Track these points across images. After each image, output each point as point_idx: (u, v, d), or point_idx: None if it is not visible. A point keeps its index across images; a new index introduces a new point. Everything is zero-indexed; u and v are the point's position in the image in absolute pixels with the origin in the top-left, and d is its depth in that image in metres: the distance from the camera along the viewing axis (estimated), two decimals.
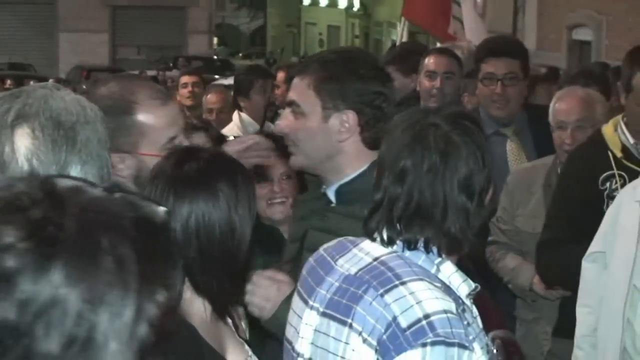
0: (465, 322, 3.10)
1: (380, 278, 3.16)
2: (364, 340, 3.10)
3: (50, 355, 1.67)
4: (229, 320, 3.59)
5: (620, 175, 5.55)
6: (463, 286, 3.23)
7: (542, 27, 36.00)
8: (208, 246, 3.33)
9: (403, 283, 3.11)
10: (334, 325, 3.22)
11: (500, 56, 7.07)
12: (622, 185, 5.40)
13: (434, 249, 3.22)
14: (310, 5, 63.98)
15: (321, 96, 4.06)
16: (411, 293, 3.08)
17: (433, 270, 3.21)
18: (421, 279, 3.13)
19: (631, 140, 5.54)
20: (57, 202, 1.74)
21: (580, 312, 4.81)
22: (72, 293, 1.68)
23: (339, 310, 3.21)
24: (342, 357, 3.16)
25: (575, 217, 5.66)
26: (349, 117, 4.05)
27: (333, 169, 4.15)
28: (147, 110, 3.78)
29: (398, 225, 3.24)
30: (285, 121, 4.20)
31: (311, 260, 3.48)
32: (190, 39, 48.45)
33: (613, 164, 5.60)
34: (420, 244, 3.22)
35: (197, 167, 3.40)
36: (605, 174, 5.60)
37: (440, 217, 3.20)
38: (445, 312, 3.04)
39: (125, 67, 35.64)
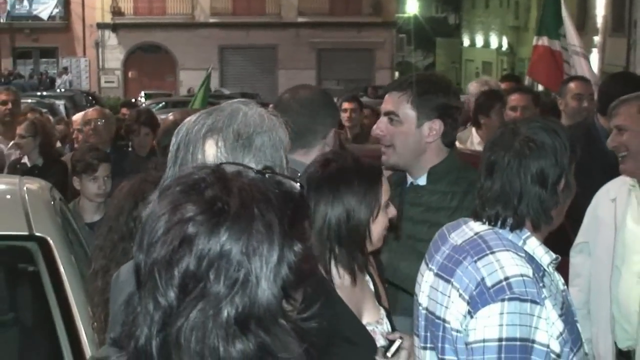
0: (541, 284, 3.08)
1: (477, 248, 3.16)
2: (460, 295, 3.10)
3: (219, 293, 1.81)
4: (372, 288, 3.60)
5: None
6: (545, 257, 3.20)
7: None
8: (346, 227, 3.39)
9: (492, 252, 3.11)
10: (442, 283, 3.22)
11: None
12: None
13: (513, 226, 3.22)
14: (469, 46, 63.63)
15: (417, 108, 4.16)
16: (497, 260, 3.08)
17: (520, 243, 3.19)
18: (507, 250, 3.12)
19: None
20: (224, 184, 1.89)
21: (572, 291, 4.57)
22: (234, 248, 1.82)
23: (446, 272, 3.22)
24: (446, 307, 3.16)
25: None
26: (437, 125, 4.15)
27: (419, 164, 4.24)
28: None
29: (486, 207, 3.25)
30: (382, 127, 4.27)
31: (436, 234, 3.49)
32: (377, 73, 48.51)
33: None
34: (507, 223, 3.22)
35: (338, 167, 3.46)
36: None
37: (516, 202, 3.19)
38: (522, 275, 3.03)
39: None
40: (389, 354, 3.41)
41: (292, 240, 1.88)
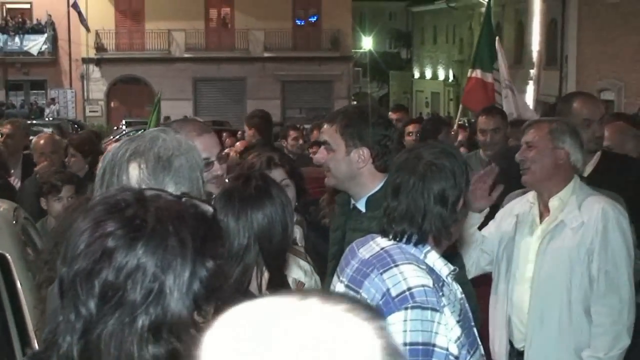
0: (440, 294, 3.10)
1: (383, 262, 3.20)
2: None
3: (135, 302, 1.83)
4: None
5: None
6: (444, 268, 3.24)
7: (579, 90, 35.34)
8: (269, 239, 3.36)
9: (397, 265, 3.14)
10: (351, 294, 3.23)
11: None
12: None
13: (418, 241, 3.24)
14: (419, 78, 63.87)
15: (344, 137, 4.14)
16: (401, 272, 3.11)
17: (421, 257, 3.22)
18: (410, 263, 3.15)
19: None
20: (142, 204, 1.91)
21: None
22: (149, 261, 1.84)
23: (355, 283, 3.25)
24: None
25: None
26: (364, 152, 4.13)
27: (357, 186, 4.20)
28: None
29: (392, 224, 3.26)
30: (321, 154, 4.27)
31: (347, 249, 3.51)
32: (336, 102, 48.43)
33: None
34: (413, 238, 3.24)
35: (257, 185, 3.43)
36: None
37: (421, 220, 3.21)
38: (423, 286, 3.06)
39: (291, 123, 35.71)
40: None
41: (204, 257, 1.89)
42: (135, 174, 2.71)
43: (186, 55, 47.83)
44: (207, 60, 47.45)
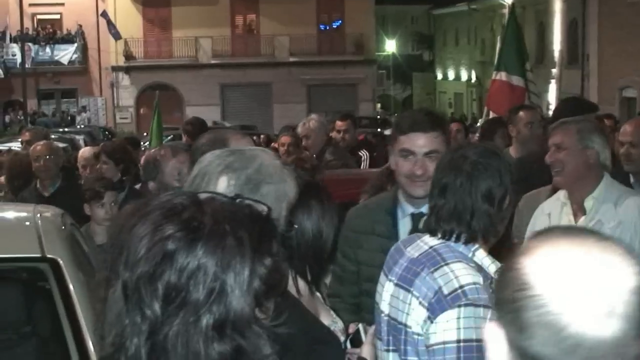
0: (490, 291, 3.09)
1: (432, 260, 3.18)
2: (420, 303, 3.13)
3: (198, 302, 1.84)
4: (319, 295, 3.60)
5: None
6: (492, 266, 3.21)
7: (601, 89, 35.36)
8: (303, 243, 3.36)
9: (447, 264, 3.13)
10: (402, 292, 3.24)
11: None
12: None
13: (467, 239, 3.23)
14: (442, 79, 63.83)
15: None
16: (452, 271, 3.10)
17: (470, 255, 3.21)
18: (460, 261, 3.14)
19: None
20: (198, 207, 1.93)
21: None
22: (209, 262, 1.85)
23: (406, 282, 3.24)
24: (407, 314, 3.18)
25: None
26: None
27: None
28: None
29: (441, 223, 3.26)
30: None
31: (392, 249, 3.50)
32: (361, 105, 48.57)
33: None
34: (462, 237, 3.23)
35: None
36: None
37: (469, 218, 3.20)
38: (475, 283, 3.04)
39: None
40: (363, 338, 3.44)
41: (261, 255, 1.91)
42: (222, 187, 2.71)
43: (213, 62, 47.97)
44: (234, 66, 47.55)
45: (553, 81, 40.97)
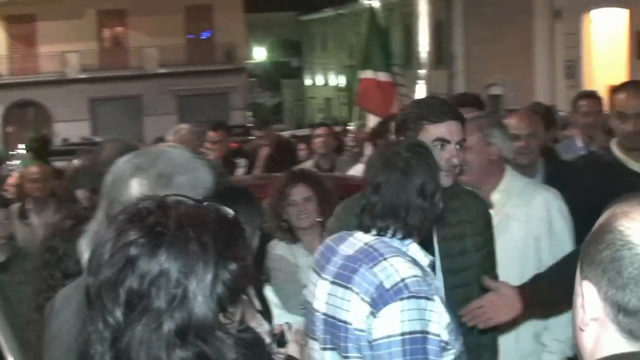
0: (427, 283, 3.14)
1: (370, 256, 3.22)
2: (361, 299, 3.15)
3: (160, 308, 1.83)
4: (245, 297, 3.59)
5: None
6: (424, 259, 3.28)
7: (468, 88, 36.00)
8: None
9: (385, 258, 3.18)
10: (340, 289, 3.27)
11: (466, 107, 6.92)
12: None
13: (404, 235, 3.27)
14: (311, 85, 64.13)
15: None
16: (391, 265, 3.14)
17: (404, 249, 3.25)
18: (397, 255, 3.19)
19: None
20: (163, 211, 1.91)
21: None
22: (172, 267, 1.84)
23: (343, 279, 3.26)
24: (347, 310, 3.20)
25: None
26: None
27: None
28: None
29: (376, 220, 3.29)
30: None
31: (322, 247, 3.52)
32: (232, 113, 48.42)
33: None
34: (397, 233, 3.27)
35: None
36: None
37: (404, 214, 3.24)
38: (415, 276, 3.10)
39: None
40: (288, 338, 3.44)
41: (226, 260, 1.89)
42: (135, 190, 2.68)
43: (81, 76, 47.13)
44: (103, 80, 46.81)
45: (421, 82, 41.70)
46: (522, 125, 5.88)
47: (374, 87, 11.50)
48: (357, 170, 8.49)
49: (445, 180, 3.81)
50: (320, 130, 10.26)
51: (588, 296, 1.65)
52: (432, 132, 3.89)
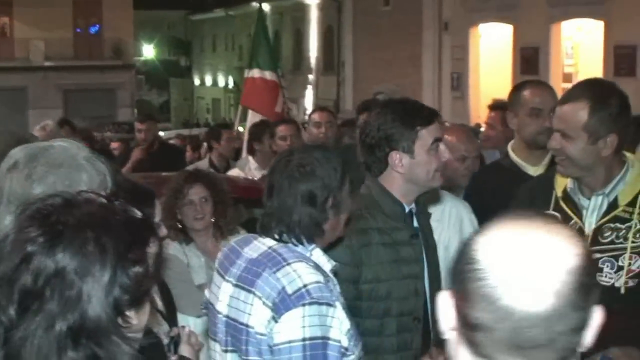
0: (330, 289, 3.16)
1: (273, 260, 3.23)
2: (263, 303, 3.16)
3: (54, 309, 1.80)
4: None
5: None
6: (327, 265, 3.30)
7: (356, 95, 36.34)
8: None
9: (289, 263, 3.19)
10: (243, 292, 3.26)
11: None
12: None
13: (299, 240, 3.29)
14: (199, 85, 63.76)
15: None
16: (294, 270, 3.16)
17: (308, 255, 3.27)
18: (301, 261, 3.20)
19: (570, 184, 3.80)
20: (68, 210, 1.88)
21: None
22: (67, 267, 1.81)
23: (246, 282, 3.27)
24: (249, 314, 3.20)
25: None
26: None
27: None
28: None
29: (272, 224, 3.30)
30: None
31: (226, 249, 3.52)
32: (119, 110, 47.82)
33: (552, 204, 3.84)
34: (285, 237, 3.30)
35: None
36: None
37: (291, 219, 3.25)
38: (318, 282, 3.12)
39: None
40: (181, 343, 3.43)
41: (127, 263, 1.86)
42: (8, 186, 2.63)
43: None
44: None
45: (310, 87, 41.88)
46: (471, 147, 5.73)
47: (260, 86, 11.56)
48: (233, 173, 8.49)
49: (439, 180, 3.84)
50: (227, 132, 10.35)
51: (446, 306, 1.71)
52: (428, 135, 3.78)
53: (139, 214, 1.99)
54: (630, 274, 3.58)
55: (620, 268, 3.58)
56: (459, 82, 30.45)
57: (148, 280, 1.95)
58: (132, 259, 1.88)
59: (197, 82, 64.53)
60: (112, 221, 1.90)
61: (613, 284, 3.59)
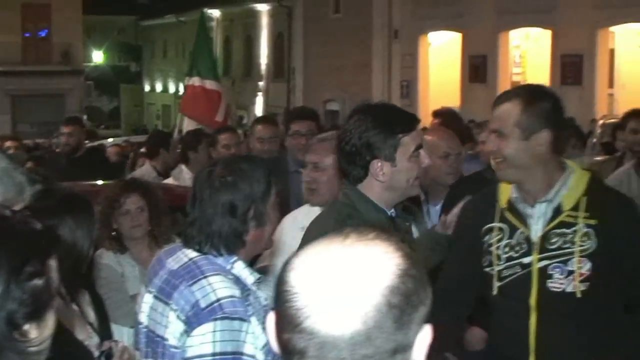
0: (247, 303, 3.16)
1: (191, 273, 3.22)
2: (177, 316, 3.16)
3: None
4: (76, 308, 3.55)
5: (499, 229, 3.78)
6: (250, 277, 3.29)
7: (306, 102, 36.38)
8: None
9: (205, 277, 3.18)
10: (160, 304, 3.26)
11: (304, 119, 6.89)
12: (500, 239, 3.77)
13: (219, 251, 3.27)
14: (150, 91, 63.43)
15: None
16: (210, 284, 3.15)
17: (228, 267, 3.26)
18: (218, 274, 3.20)
19: (513, 194, 3.78)
20: None
21: None
22: None
23: (164, 294, 3.26)
24: (165, 326, 3.20)
25: (458, 268, 4.03)
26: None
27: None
28: None
29: (193, 235, 3.29)
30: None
31: (154, 260, 3.51)
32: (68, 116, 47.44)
33: (497, 216, 3.81)
34: (205, 248, 3.28)
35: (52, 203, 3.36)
36: (487, 226, 3.84)
37: (211, 229, 3.25)
38: (232, 296, 3.12)
39: (22, 138, 34.51)
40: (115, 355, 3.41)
41: (22, 276, 1.82)
42: None
43: None
44: None
45: (260, 94, 41.85)
46: (453, 144, 5.68)
47: (200, 94, 11.55)
48: (169, 181, 8.38)
49: (417, 188, 3.77)
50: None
51: (270, 329, 1.68)
52: (410, 142, 3.64)
53: (38, 225, 1.95)
54: (581, 278, 3.59)
55: (571, 272, 3.60)
56: (409, 90, 30.63)
57: (49, 293, 1.91)
58: (29, 272, 1.83)
59: (147, 88, 64.21)
60: (9, 232, 1.86)
61: (564, 289, 3.60)
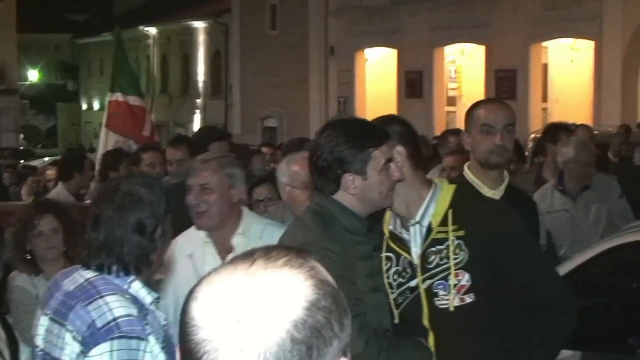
0: (145, 322, 3.13)
1: (87, 293, 3.20)
2: (73, 337, 3.13)
3: None
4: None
5: (387, 257, 3.80)
6: (148, 297, 3.28)
7: (244, 119, 36.41)
8: None
9: (101, 296, 3.16)
10: (56, 326, 3.24)
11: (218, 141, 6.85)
12: (389, 269, 3.79)
13: (123, 271, 3.25)
14: (87, 109, 62.91)
15: None
16: (106, 303, 3.13)
17: (125, 287, 3.24)
18: (114, 293, 3.17)
19: (391, 223, 3.84)
20: None
21: None
22: None
23: (60, 316, 3.24)
24: (61, 349, 3.18)
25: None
26: None
27: None
28: None
29: (93, 255, 3.27)
30: None
31: (51, 282, 3.48)
32: (3, 136, 46.98)
33: (384, 246, 3.83)
34: (113, 269, 3.25)
35: None
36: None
37: (119, 249, 3.23)
38: (129, 315, 3.10)
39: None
40: None
41: None
42: None
43: None
44: None
45: (198, 111, 41.73)
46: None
47: (126, 110, 11.53)
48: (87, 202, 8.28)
49: (391, 200, 3.69)
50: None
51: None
52: (380, 156, 3.63)
53: None
54: (463, 290, 3.60)
55: (454, 287, 3.62)
56: (346, 106, 30.71)
57: None
58: None
59: (84, 106, 63.64)
60: None
61: (450, 305, 3.60)
